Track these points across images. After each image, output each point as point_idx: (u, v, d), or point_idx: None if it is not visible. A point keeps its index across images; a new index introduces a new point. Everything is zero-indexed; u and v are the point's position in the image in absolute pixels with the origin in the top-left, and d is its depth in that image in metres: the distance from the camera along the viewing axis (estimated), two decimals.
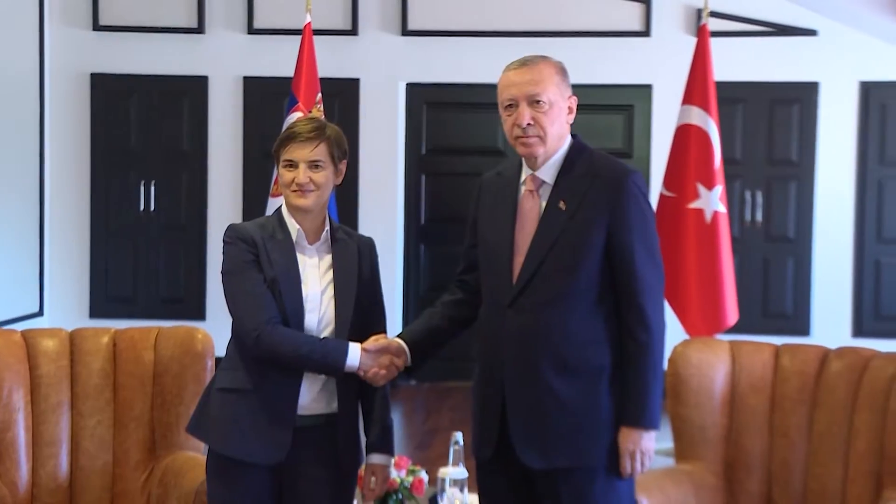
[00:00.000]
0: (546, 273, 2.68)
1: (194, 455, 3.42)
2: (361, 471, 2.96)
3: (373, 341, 2.80)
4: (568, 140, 2.76)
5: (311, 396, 2.82)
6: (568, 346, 2.66)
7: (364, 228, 7.64)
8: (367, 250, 2.93)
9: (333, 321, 2.84)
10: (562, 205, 2.68)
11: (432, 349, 2.94)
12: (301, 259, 2.84)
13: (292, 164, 2.80)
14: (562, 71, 2.75)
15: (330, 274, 2.86)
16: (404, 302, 8.02)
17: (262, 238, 2.82)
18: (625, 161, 3.09)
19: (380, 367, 2.79)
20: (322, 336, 2.81)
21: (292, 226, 2.84)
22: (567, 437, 2.67)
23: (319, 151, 2.79)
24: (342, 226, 2.98)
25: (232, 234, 2.85)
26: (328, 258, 2.87)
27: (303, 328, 2.79)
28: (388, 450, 2.94)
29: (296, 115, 6.09)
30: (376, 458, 2.91)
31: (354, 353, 2.76)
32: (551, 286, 2.67)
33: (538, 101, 2.70)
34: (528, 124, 2.70)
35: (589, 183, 2.67)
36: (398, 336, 2.90)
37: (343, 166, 2.87)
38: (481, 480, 2.83)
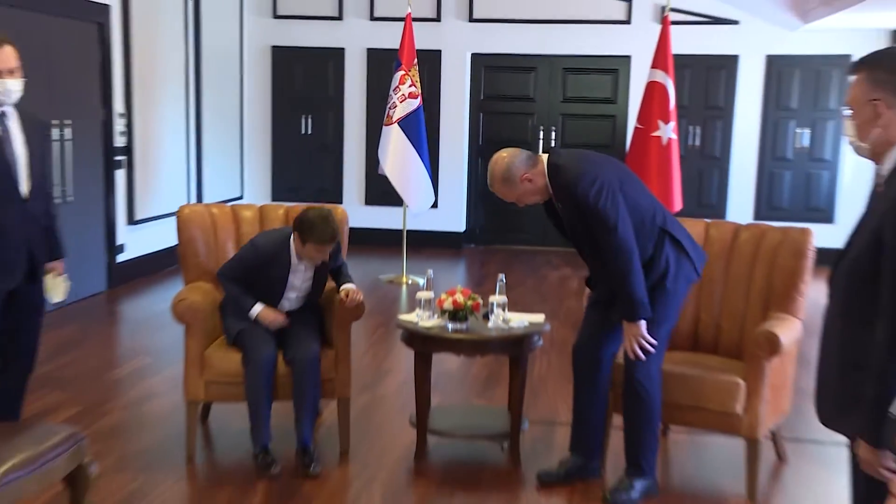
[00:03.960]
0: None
1: None
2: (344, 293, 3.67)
3: None
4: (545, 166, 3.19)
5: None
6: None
7: (443, 148, 8.82)
8: None
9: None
10: (560, 205, 3.20)
11: None
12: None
13: (319, 251, 3.45)
14: (506, 179, 3.19)
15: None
16: (468, 199, 9.11)
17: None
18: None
19: None
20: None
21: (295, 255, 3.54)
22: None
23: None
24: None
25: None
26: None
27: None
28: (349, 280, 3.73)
29: (399, 75, 6.99)
30: (347, 286, 3.69)
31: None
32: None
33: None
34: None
35: (563, 191, 3.14)
36: None
37: None
38: None
